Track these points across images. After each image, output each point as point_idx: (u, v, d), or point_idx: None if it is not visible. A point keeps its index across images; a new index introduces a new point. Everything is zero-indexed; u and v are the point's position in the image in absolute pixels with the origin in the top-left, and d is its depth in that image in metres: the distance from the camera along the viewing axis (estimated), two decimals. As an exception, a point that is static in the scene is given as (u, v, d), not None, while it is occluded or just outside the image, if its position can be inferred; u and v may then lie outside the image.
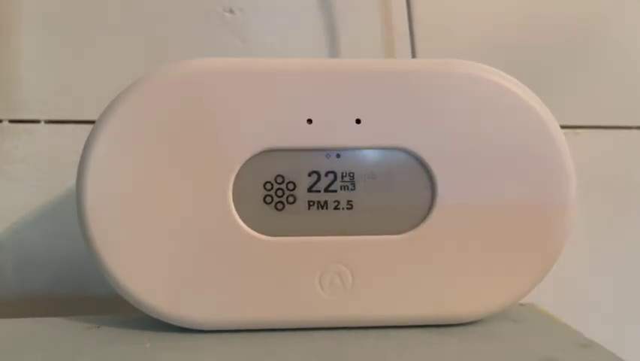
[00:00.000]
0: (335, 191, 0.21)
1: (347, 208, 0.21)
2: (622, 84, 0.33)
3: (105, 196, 0.21)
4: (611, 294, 0.34)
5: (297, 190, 0.21)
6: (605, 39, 0.33)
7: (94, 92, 0.31)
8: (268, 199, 0.21)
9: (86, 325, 0.23)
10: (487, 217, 0.21)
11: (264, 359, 0.20)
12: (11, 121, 0.31)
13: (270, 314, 0.22)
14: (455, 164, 0.21)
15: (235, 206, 0.21)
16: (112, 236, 0.21)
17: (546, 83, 0.32)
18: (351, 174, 0.21)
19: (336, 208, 0.21)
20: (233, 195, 0.21)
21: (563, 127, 0.22)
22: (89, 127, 0.21)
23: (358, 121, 0.21)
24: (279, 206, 0.21)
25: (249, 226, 0.21)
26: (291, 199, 0.21)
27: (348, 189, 0.21)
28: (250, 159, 0.21)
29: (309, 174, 0.21)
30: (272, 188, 0.21)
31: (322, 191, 0.21)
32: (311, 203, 0.21)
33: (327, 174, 0.21)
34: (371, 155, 0.21)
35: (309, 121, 0.21)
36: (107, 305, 0.29)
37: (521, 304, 0.26)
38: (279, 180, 0.21)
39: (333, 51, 0.32)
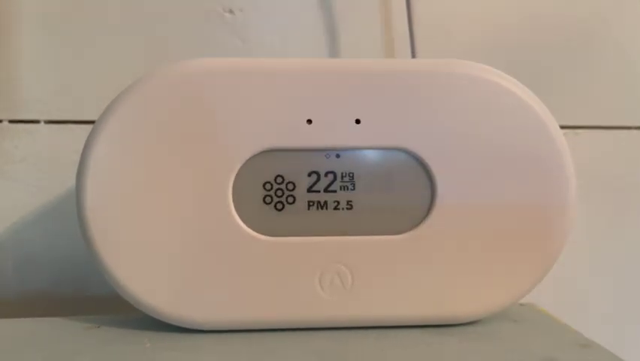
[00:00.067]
0: (335, 191, 0.21)
1: (347, 208, 0.21)
2: (622, 84, 0.33)
3: (105, 196, 0.21)
4: (611, 294, 0.34)
5: (297, 190, 0.21)
6: (605, 39, 0.33)
7: (94, 92, 0.31)
8: (268, 199, 0.21)
9: (86, 325, 0.23)
10: (487, 217, 0.21)
11: (264, 359, 0.20)
12: (11, 121, 0.31)
13: (270, 314, 0.22)
14: (455, 164, 0.21)
15: (235, 206, 0.21)
16: (112, 236, 0.21)
17: (546, 83, 0.32)
18: (351, 174, 0.21)
19: (335, 208, 0.21)
20: (233, 195, 0.21)
21: (562, 127, 0.22)
22: (89, 127, 0.21)
23: (358, 121, 0.21)
24: (279, 206, 0.21)
25: (248, 226, 0.21)
26: (290, 199, 0.21)
27: (347, 189, 0.21)
28: (250, 159, 0.21)
29: (309, 175, 0.21)
30: (272, 188, 0.21)
31: (322, 191, 0.21)
32: (311, 203, 0.21)
33: (326, 174, 0.21)
34: (371, 155, 0.21)
35: (309, 121, 0.21)
36: (107, 305, 0.29)
37: (521, 304, 0.26)
38: (279, 180, 0.21)
39: (333, 51, 0.32)
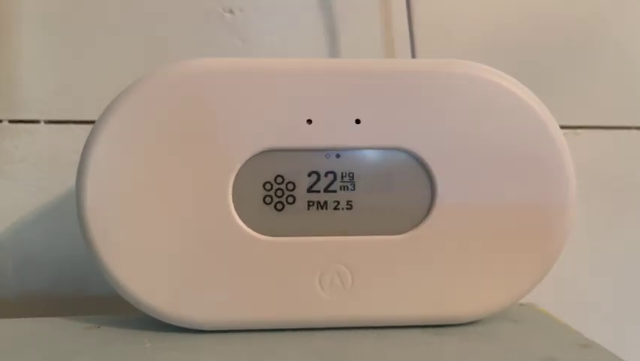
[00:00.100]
0: (335, 191, 0.21)
1: (347, 208, 0.21)
2: (622, 84, 0.33)
3: (105, 196, 0.21)
4: (611, 294, 0.34)
5: (297, 190, 0.21)
6: (605, 39, 0.33)
7: (94, 92, 0.31)
8: (268, 199, 0.21)
9: (86, 325, 0.23)
10: (487, 217, 0.21)
11: (264, 359, 0.20)
12: (11, 121, 0.31)
13: (270, 314, 0.22)
14: (455, 164, 0.21)
15: (235, 206, 0.21)
16: (112, 236, 0.21)
17: (546, 83, 0.32)
18: (351, 174, 0.21)
19: (335, 208, 0.21)
20: (232, 195, 0.21)
21: (562, 127, 0.22)
22: (89, 127, 0.21)
23: (358, 121, 0.21)
24: (279, 206, 0.21)
25: (248, 227, 0.21)
26: (290, 199, 0.21)
27: (347, 189, 0.21)
28: (250, 159, 0.21)
29: (309, 175, 0.21)
30: (272, 188, 0.21)
31: (322, 191, 0.21)
32: (311, 203, 0.21)
33: (326, 174, 0.21)
34: (371, 155, 0.21)
35: (309, 121, 0.21)
36: (107, 305, 0.29)
37: (521, 304, 0.26)
38: (279, 180, 0.21)
39: (333, 51, 0.32)
